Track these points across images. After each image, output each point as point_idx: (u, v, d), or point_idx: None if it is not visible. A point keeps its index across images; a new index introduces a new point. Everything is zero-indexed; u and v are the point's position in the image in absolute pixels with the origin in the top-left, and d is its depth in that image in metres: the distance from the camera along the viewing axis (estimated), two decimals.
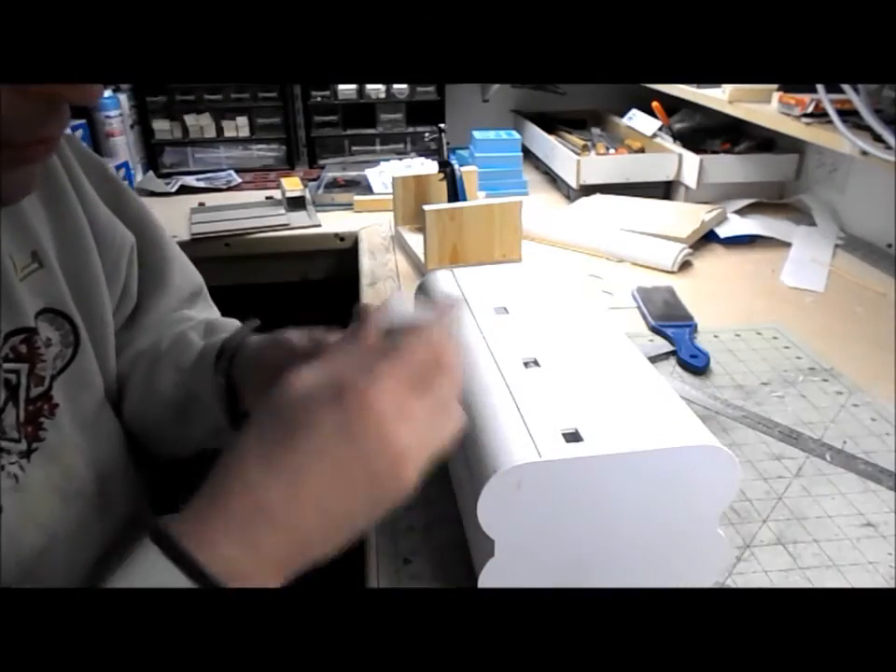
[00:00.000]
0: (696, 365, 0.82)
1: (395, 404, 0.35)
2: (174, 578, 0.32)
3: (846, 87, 0.87)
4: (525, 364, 0.55)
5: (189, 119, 1.64)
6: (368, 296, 1.06)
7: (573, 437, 0.46)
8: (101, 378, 0.56)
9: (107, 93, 1.51)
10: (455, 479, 0.60)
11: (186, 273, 0.69)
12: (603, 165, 1.40)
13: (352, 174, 1.57)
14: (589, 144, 1.53)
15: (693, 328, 0.91)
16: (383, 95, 1.69)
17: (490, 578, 0.48)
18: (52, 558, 0.47)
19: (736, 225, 1.26)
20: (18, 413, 0.46)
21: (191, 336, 0.62)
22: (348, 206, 1.43)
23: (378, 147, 1.72)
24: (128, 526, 0.55)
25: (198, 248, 1.28)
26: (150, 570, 0.33)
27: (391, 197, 1.27)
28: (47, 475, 0.47)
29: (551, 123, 1.67)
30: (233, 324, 0.68)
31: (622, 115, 1.61)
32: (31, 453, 0.47)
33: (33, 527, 0.46)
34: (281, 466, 0.34)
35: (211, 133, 1.66)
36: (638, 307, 0.99)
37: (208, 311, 0.72)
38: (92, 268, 0.56)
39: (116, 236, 0.59)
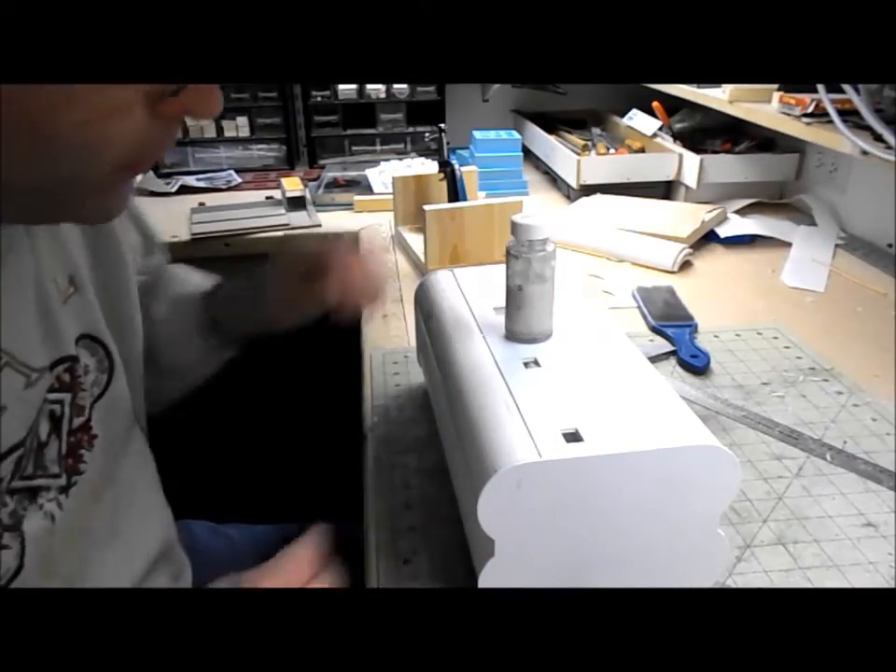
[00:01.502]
0: (696, 365, 0.82)
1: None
2: None
3: (846, 87, 0.87)
4: (526, 364, 0.55)
5: (190, 119, 1.64)
6: None
7: (573, 437, 0.46)
8: (130, 401, 0.56)
9: None
10: (454, 479, 0.60)
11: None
12: (603, 165, 1.40)
13: (352, 174, 1.57)
14: (589, 144, 1.53)
15: (693, 327, 0.91)
16: (383, 95, 1.69)
17: (490, 578, 0.48)
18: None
19: (737, 225, 1.26)
20: (60, 445, 0.44)
21: (173, 270, 0.68)
22: (348, 206, 1.43)
23: (378, 147, 1.72)
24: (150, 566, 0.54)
25: (198, 248, 1.28)
26: None
27: (391, 197, 1.27)
28: (82, 511, 0.46)
29: (551, 123, 1.67)
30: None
31: (622, 115, 1.61)
32: (70, 487, 0.45)
33: (54, 581, 0.43)
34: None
35: (211, 132, 1.66)
36: (639, 307, 0.99)
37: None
38: (126, 286, 0.56)
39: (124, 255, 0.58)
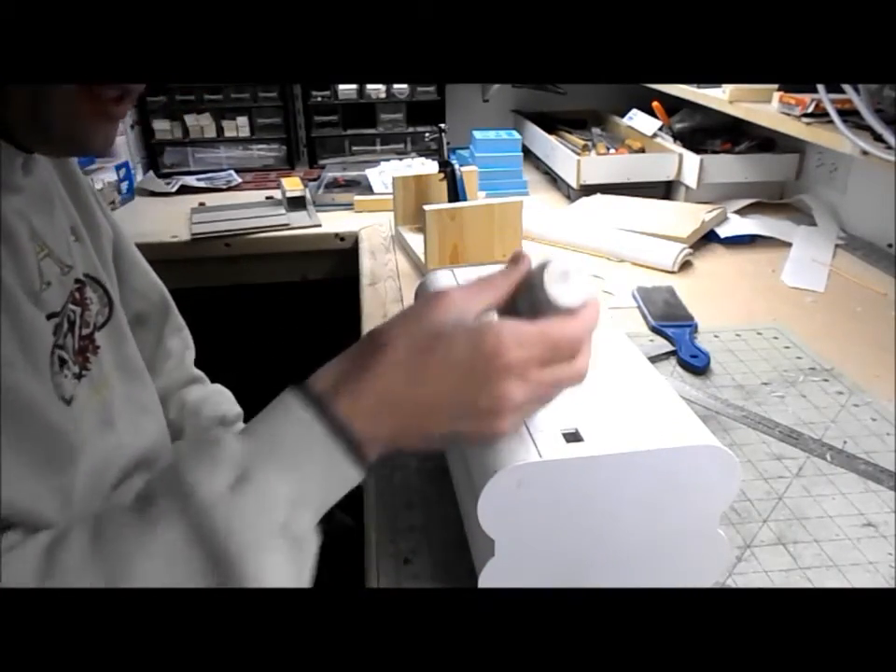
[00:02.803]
0: (697, 365, 0.82)
1: (521, 365, 0.41)
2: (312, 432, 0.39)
3: (846, 87, 0.87)
4: None
5: (190, 119, 1.64)
6: (368, 296, 1.06)
7: (573, 437, 0.46)
8: (133, 339, 0.65)
9: None
10: (455, 479, 0.60)
11: (149, 281, 0.77)
12: (603, 165, 1.40)
13: (352, 174, 1.57)
14: (589, 144, 1.53)
15: (693, 328, 0.91)
16: (383, 95, 1.68)
17: (490, 578, 0.48)
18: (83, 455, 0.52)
19: (737, 225, 1.26)
20: (73, 342, 0.54)
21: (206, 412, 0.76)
22: (348, 206, 1.43)
23: (378, 147, 1.72)
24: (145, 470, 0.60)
25: (198, 248, 1.28)
26: (297, 419, 0.40)
27: (391, 197, 1.27)
28: (89, 400, 0.54)
29: (551, 123, 1.67)
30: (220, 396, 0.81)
31: (622, 115, 1.61)
32: (81, 377, 0.54)
33: (90, 416, 0.53)
34: (416, 367, 0.41)
35: (211, 132, 1.66)
36: (639, 307, 0.99)
37: (179, 329, 0.81)
38: (107, 253, 0.65)
39: (104, 228, 0.66)
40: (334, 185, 1.52)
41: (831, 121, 0.93)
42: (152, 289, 0.76)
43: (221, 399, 0.80)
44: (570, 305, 0.44)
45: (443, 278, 0.71)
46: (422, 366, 0.41)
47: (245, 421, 0.81)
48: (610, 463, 0.45)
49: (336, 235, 1.33)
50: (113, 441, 0.57)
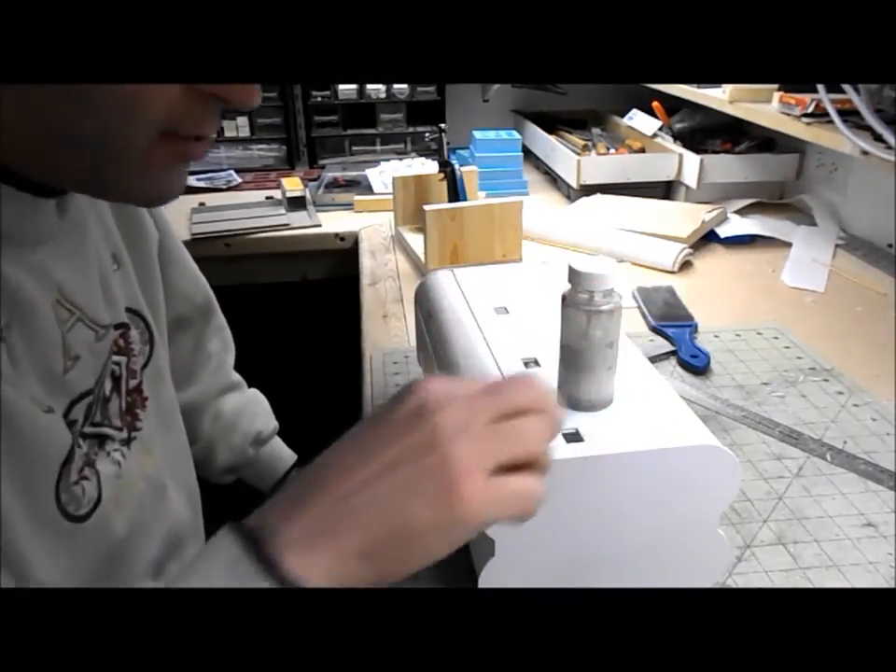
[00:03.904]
0: (697, 365, 0.82)
1: (462, 427, 0.35)
2: (247, 575, 0.33)
3: (846, 87, 0.87)
4: (526, 364, 0.55)
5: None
6: (368, 296, 1.06)
7: (573, 437, 0.46)
8: (171, 375, 0.59)
9: None
10: None
11: (194, 281, 0.72)
12: (603, 165, 1.40)
13: (352, 174, 1.57)
14: (589, 144, 1.53)
15: (693, 327, 0.91)
16: (383, 95, 1.69)
17: (490, 578, 0.48)
18: (128, 549, 0.47)
19: (737, 225, 1.26)
20: (120, 402, 0.49)
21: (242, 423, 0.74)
22: (348, 206, 1.43)
23: (378, 147, 1.72)
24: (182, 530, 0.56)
25: (198, 248, 1.28)
26: (226, 559, 0.33)
27: (391, 197, 1.27)
28: (140, 465, 0.49)
29: (551, 123, 1.67)
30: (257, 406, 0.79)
31: (622, 115, 1.61)
32: (130, 441, 0.49)
33: (121, 518, 0.46)
34: (359, 470, 0.35)
35: None
36: (639, 307, 0.99)
37: (220, 329, 0.78)
38: (154, 271, 0.59)
39: (150, 233, 0.60)
40: (334, 185, 1.52)
41: (831, 121, 0.93)
42: (196, 290, 0.72)
43: (258, 411, 0.78)
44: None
45: (443, 278, 0.71)
46: (361, 463, 0.35)
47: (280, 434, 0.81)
48: (610, 463, 0.45)
49: (336, 235, 1.33)
50: (165, 514, 0.52)
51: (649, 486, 0.46)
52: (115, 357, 0.48)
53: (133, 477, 0.48)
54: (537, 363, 0.55)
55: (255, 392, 0.80)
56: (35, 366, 0.40)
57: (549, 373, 0.54)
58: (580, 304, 0.47)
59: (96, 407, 0.45)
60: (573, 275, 0.47)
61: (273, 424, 0.79)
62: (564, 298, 0.48)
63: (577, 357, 0.48)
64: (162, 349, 0.57)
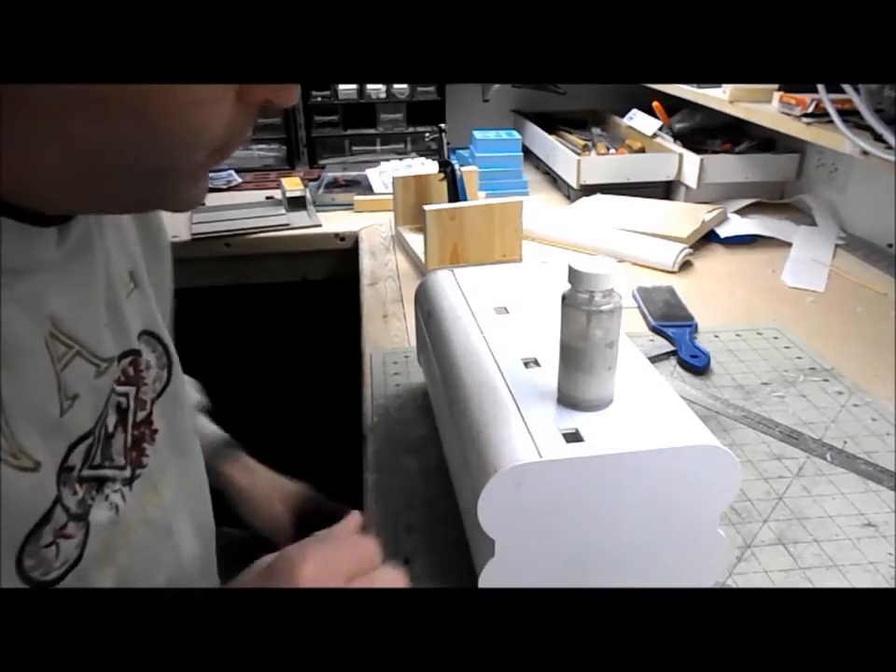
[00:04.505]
0: (697, 365, 0.82)
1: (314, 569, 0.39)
2: None
3: (846, 87, 0.87)
4: (526, 364, 0.55)
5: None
6: (368, 296, 1.06)
7: (573, 437, 0.46)
8: (189, 399, 0.56)
9: None
10: (455, 479, 0.60)
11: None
12: (603, 165, 1.40)
13: (352, 174, 1.57)
14: (589, 144, 1.53)
15: (693, 328, 0.91)
16: (383, 95, 1.69)
17: (490, 578, 0.48)
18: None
19: (737, 225, 1.26)
20: (126, 438, 0.45)
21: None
22: (348, 206, 1.43)
23: (378, 147, 1.72)
24: (195, 571, 0.53)
25: (198, 248, 1.28)
26: None
27: (391, 197, 1.27)
28: (142, 504, 0.46)
29: (551, 123, 1.67)
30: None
31: (622, 115, 1.61)
32: (133, 480, 0.45)
33: (109, 570, 0.42)
34: None
35: None
36: (639, 307, 0.99)
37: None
38: (169, 285, 0.57)
39: (165, 242, 0.59)
40: (334, 185, 1.52)
41: (831, 121, 0.93)
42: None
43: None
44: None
45: (443, 278, 0.71)
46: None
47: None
48: (610, 463, 0.45)
49: (336, 235, 1.33)
50: (170, 557, 0.49)
51: (648, 486, 0.46)
52: (122, 388, 0.45)
53: (132, 521, 0.45)
54: (537, 363, 0.55)
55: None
56: (27, 412, 0.36)
57: (549, 373, 0.54)
58: (580, 304, 0.47)
59: (96, 448, 0.42)
60: (573, 275, 0.47)
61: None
62: (564, 298, 0.48)
63: (577, 357, 0.49)
64: (180, 372, 0.54)
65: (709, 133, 1.44)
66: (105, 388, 0.43)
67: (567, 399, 0.50)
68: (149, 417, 0.48)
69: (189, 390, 0.73)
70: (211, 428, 0.77)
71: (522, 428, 0.47)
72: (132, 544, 0.44)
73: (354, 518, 0.47)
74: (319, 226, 1.34)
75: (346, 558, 0.41)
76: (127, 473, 0.45)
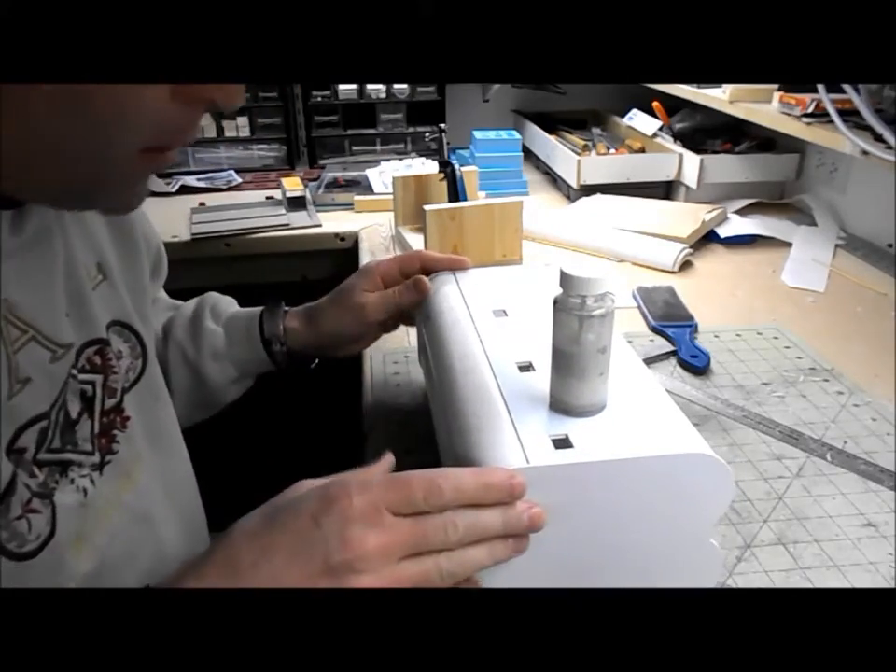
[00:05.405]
0: (697, 365, 0.82)
1: (367, 509, 0.38)
2: None
3: (846, 87, 0.87)
4: (520, 368, 0.54)
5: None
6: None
7: (563, 443, 0.45)
8: (167, 390, 0.56)
9: None
10: None
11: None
12: (603, 165, 1.40)
13: (352, 174, 1.57)
14: (589, 144, 1.53)
15: (693, 328, 0.91)
16: (383, 95, 1.69)
17: (488, 578, 0.47)
18: (99, 584, 0.44)
19: (737, 225, 1.26)
20: (93, 424, 0.46)
21: (208, 324, 0.71)
22: (348, 206, 1.43)
23: (378, 147, 1.72)
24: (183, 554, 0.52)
25: (198, 248, 1.28)
26: None
27: (391, 197, 1.26)
28: (115, 490, 0.46)
29: (551, 123, 1.67)
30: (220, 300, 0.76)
31: (622, 115, 1.61)
32: (103, 466, 0.46)
33: (86, 550, 0.43)
34: (256, 548, 0.38)
35: (211, 132, 1.66)
36: (639, 307, 0.99)
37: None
38: (144, 279, 0.57)
39: (152, 242, 0.60)
40: (334, 185, 1.52)
41: (831, 121, 0.93)
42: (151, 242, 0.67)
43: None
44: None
45: (443, 279, 0.71)
46: (261, 545, 0.38)
47: None
48: (598, 470, 0.44)
49: (336, 235, 1.33)
50: (151, 544, 0.49)
51: (638, 495, 0.45)
52: (86, 376, 0.46)
53: (104, 504, 0.45)
54: (531, 367, 0.55)
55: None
56: None
57: (544, 378, 0.53)
58: (571, 309, 0.46)
59: (54, 432, 0.42)
60: (564, 279, 0.46)
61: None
62: (556, 302, 0.48)
63: (568, 362, 0.48)
64: (155, 364, 0.55)
65: (709, 132, 1.44)
66: (62, 373, 0.43)
67: (559, 405, 0.49)
68: (120, 406, 0.49)
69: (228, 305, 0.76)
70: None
71: (512, 434, 0.46)
72: (107, 528, 0.45)
73: (388, 458, 0.47)
74: (319, 226, 1.34)
75: (388, 496, 0.40)
76: (95, 459, 0.45)
